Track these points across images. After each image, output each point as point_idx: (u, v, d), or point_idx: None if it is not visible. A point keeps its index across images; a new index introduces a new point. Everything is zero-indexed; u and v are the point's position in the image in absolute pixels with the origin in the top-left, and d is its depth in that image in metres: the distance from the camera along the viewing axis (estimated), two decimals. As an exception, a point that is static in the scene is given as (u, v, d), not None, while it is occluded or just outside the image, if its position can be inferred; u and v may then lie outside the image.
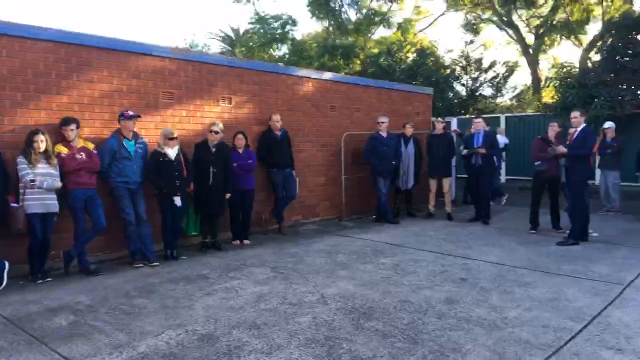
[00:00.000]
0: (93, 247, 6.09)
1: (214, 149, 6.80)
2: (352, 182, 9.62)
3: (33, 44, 5.72)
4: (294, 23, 23.70)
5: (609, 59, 13.27)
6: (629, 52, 12.75)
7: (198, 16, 57.17)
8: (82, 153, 5.66)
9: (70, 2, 54.70)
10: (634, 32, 13.07)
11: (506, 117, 16.46)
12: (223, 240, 7.25)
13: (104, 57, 6.32)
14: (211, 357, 3.52)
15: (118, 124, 6.14)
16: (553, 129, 8.05)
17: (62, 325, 4.17)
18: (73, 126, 5.65)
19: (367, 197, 9.71)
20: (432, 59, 19.35)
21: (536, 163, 8.02)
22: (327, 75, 9.86)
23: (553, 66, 16.93)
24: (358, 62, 21.80)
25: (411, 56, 20.44)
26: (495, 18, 23.04)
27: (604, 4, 18.77)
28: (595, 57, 15.17)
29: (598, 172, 10.75)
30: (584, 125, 7.20)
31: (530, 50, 22.21)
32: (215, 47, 31.68)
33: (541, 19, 22.05)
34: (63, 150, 5.58)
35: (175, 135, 6.32)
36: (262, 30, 24.09)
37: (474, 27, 24.36)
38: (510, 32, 23.04)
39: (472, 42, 22.46)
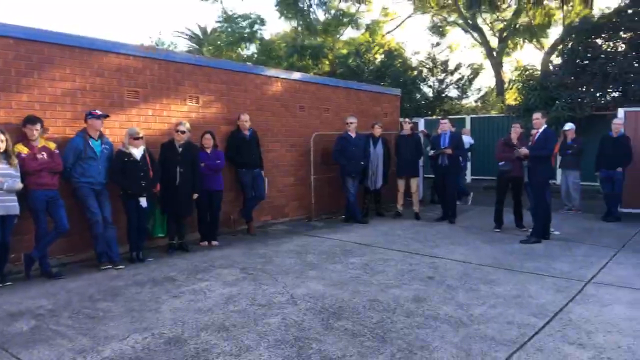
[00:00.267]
0: (55, 250, 5.91)
1: (180, 149, 6.70)
2: (322, 182, 9.64)
3: (-9, 40, 5.52)
4: (263, 22, 23.62)
5: (569, 62, 13.70)
6: (588, 55, 13.19)
7: (164, 14, 56.32)
8: (43, 153, 5.48)
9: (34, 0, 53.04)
10: (593, 36, 13.53)
11: (471, 118, 16.80)
12: (191, 241, 7.15)
13: (67, 55, 6.15)
14: (179, 360, 3.47)
15: (84, 123, 5.97)
16: (516, 130, 8.25)
17: (23, 330, 4.04)
18: (38, 126, 5.47)
19: (336, 197, 9.75)
20: (399, 60, 19.58)
21: (500, 163, 8.22)
22: (296, 75, 9.85)
23: (516, 69, 17.42)
24: (327, 62, 21.87)
25: (379, 57, 20.63)
26: (460, 21, 23.53)
27: (565, 8, 19.37)
28: (557, 60, 15.67)
29: (559, 172, 11.07)
30: (545, 126, 7.43)
31: (495, 53, 22.76)
32: (182, 46, 31.30)
33: (505, 23, 22.62)
34: (23, 150, 5.39)
35: (140, 135, 6.20)
36: (230, 29, 23.90)
37: (440, 29, 24.84)
38: (475, 35, 23.56)
39: (438, 44, 22.85)
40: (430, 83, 19.67)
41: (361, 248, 7.03)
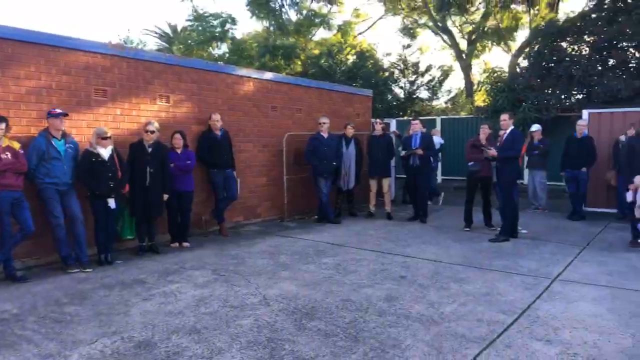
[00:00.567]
0: (20, 253, 5.74)
1: (150, 149, 6.59)
2: (294, 183, 9.63)
3: (-50, 36, 5.33)
4: (234, 22, 23.46)
5: (535, 65, 14.03)
6: (554, 58, 13.53)
7: (133, 12, 55.26)
8: (7, 153, 5.31)
9: (-7, -8, 51.27)
10: (558, 40, 13.88)
11: (441, 119, 17.04)
12: (161, 242, 7.05)
13: (31, 52, 5.97)
14: (149, 364, 3.42)
15: (47, 122, 5.82)
16: (484, 131, 8.40)
17: (-15, 336, 3.91)
18: (3, 125, 5.29)
19: (309, 198, 9.75)
20: (371, 61, 19.74)
21: (469, 164, 8.37)
22: (268, 75, 9.80)
23: (485, 71, 17.76)
24: (299, 62, 21.85)
25: (351, 58, 20.76)
26: (431, 23, 23.83)
27: (531, 12, 19.80)
28: (524, 62, 15.99)
29: (526, 172, 11.33)
30: (513, 127, 7.61)
31: (464, 56, 23.12)
32: (152, 44, 30.72)
33: (473, 26, 23.01)
34: (-14, 150, 5.22)
35: (108, 135, 6.07)
36: (200, 28, 23.63)
37: (411, 31, 25.11)
38: (445, 37, 23.89)
39: (409, 46, 23.17)
40: (401, 84, 19.90)
41: (334, 248, 7.04)
